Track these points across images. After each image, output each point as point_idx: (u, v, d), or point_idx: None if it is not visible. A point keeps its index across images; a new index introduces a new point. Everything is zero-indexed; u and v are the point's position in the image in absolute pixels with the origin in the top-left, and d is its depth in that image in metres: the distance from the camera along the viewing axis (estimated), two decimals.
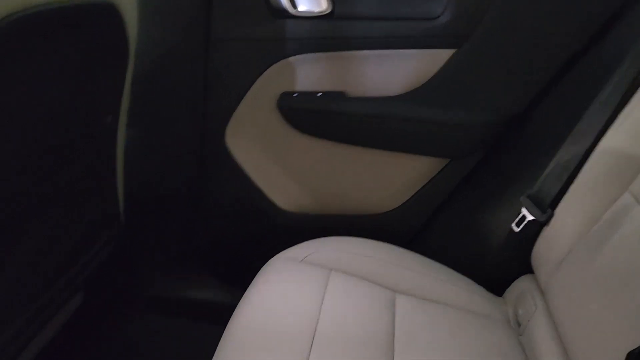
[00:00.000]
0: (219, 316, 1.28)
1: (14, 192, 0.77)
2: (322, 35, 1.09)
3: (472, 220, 1.10)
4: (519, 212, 0.98)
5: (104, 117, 0.97)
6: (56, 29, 0.69)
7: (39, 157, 0.80)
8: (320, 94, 1.12)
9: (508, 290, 1.01)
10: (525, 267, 0.98)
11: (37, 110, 0.76)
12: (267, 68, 1.11)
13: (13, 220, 0.78)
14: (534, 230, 0.94)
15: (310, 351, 0.76)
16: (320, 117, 1.12)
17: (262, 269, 0.98)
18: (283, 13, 1.08)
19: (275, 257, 1.00)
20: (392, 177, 1.16)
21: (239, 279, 1.28)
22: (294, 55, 1.10)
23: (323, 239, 1.05)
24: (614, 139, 0.83)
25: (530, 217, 0.95)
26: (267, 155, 1.18)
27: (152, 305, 1.27)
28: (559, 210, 0.90)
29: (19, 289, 0.83)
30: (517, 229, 0.97)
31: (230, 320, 0.85)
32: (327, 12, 1.07)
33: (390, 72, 1.10)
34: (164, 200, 1.21)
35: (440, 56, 1.06)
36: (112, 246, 1.06)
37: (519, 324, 0.93)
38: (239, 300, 1.26)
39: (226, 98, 1.14)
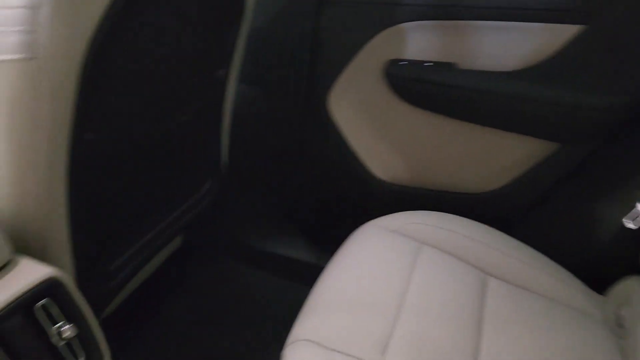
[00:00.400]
0: (303, 275, 1.32)
1: (135, 132, 0.82)
2: (438, 2, 1.05)
3: (579, 211, 1.03)
4: (633, 207, 0.90)
5: (217, 70, 1.00)
6: None
7: (156, 102, 0.85)
8: (430, 63, 1.09)
9: (612, 289, 0.94)
10: (634, 267, 0.91)
11: (158, 58, 0.80)
12: (378, 33, 1.09)
13: (131, 158, 0.84)
14: None
15: (396, 320, 0.76)
16: (428, 88, 1.08)
17: (353, 234, 0.99)
18: None
19: (367, 224, 1.00)
20: (496, 157, 1.11)
21: (327, 241, 1.30)
22: (407, 21, 1.07)
23: (417, 212, 1.04)
24: None
25: None
26: (368, 122, 1.17)
27: (242, 256, 1.33)
28: None
29: (134, 220, 0.89)
30: (631, 225, 0.90)
31: (318, 281, 0.86)
32: None
33: (508, 45, 1.04)
34: (264, 156, 1.24)
35: (566, 32, 0.98)
36: (213, 195, 1.11)
37: (621, 326, 0.87)
38: (323, 262, 1.28)
39: (333, 61, 1.14)
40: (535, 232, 1.09)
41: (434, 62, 1.09)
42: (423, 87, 1.08)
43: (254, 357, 1.08)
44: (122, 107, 0.77)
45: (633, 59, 0.95)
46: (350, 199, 1.22)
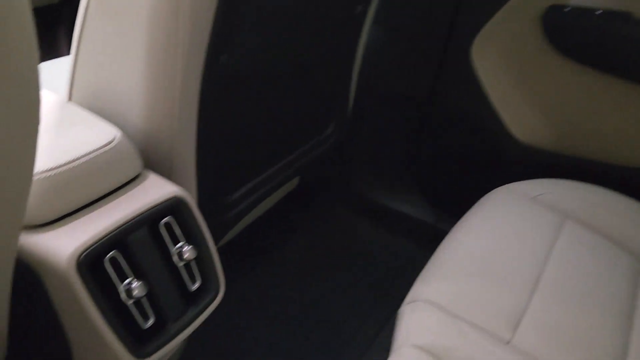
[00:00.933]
0: (418, 235, 1.24)
1: (267, 61, 0.79)
2: None
3: None
4: None
5: (356, 6, 0.93)
6: None
7: (291, 32, 0.80)
8: (600, 11, 0.93)
9: None
10: None
11: (297, 6, 0.74)
12: None
13: (260, 88, 0.81)
14: None
15: (531, 296, 0.67)
16: (595, 40, 0.93)
17: (485, 196, 0.89)
18: None
19: (501, 187, 0.90)
20: None
21: (448, 202, 1.21)
22: None
23: (561, 180, 0.91)
24: None
25: None
26: (514, 76, 1.04)
27: (357, 207, 1.28)
28: None
29: (255, 153, 0.87)
30: None
31: (443, 242, 0.79)
32: None
33: None
34: (391, 104, 1.17)
35: None
36: (335, 139, 1.06)
37: None
38: (443, 224, 1.20)
39: (482, 4, 1.01)
40: None
41: (605, 10, 0.93)
42: (589, 39, 0.93)
43: (362, 310, 1.04)
44: (257, 33, 0.73)
45: None
46: (482, 160, 1.11)
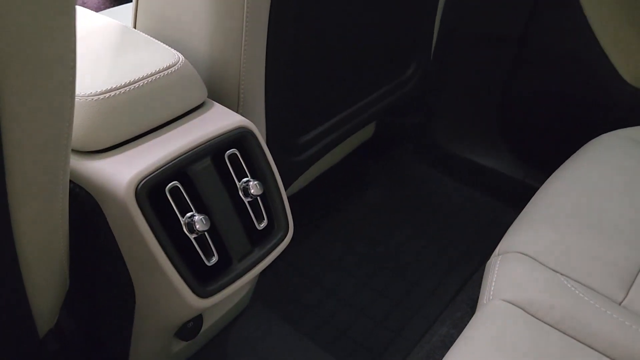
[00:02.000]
0: (504, 191, 1.14)
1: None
2: None
3: None
4: None
5: None
6: None
7: None
8: None
9: None
10: None
11: None
12: None
13: (335, 20, 0.74)
14: None
15: None
16: None
17: (587, 144, 0.78)
18: None
19: (607, 134, 0.79)
20: None
21: (539, 155, 1.09)
22: None
23: None
24: None
25: None
26: (626, 13, 0.90)
27: (436, 160, 1.19)
28: None
29: (329, 94, 0.80)
30: None
31: (539, 191, 0.69)
32: None
33: None
34: (481, 45, 1.05)
35: None
36: (416, 81, 0.97)
37: None
38: (532, 180, 1.09)
39: None
40: None
41: None
42: None
43: (443, 265, 0.97)
44: None
45: None
46: (584, 107, 0.98)
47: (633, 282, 0.54)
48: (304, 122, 0.79)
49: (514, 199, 0.94)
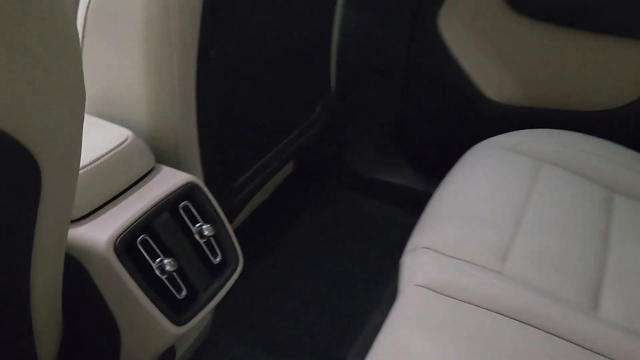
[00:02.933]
0: (412, 202, 1.32)
1: (252, 52, 0.85)
2: None
3: None
4: None
5: (329, 7, 1.00)
6: None
7: (271, 22, 0.87)
8: None
9: None
10: None
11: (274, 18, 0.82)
12: None
13: (249, 78, 0.88)
14: None
15: (515, 232, 0.75)
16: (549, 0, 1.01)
17: (465, 154, 0.97)
18: None
19: (480, 143, 0.98)
20: (625, 69, 1.02)
21: (435, 167, 1.29)
22: None
23: (534, 130, 0.99)
24: None
25: None
26: (480, 40, 1.12)
27: (350, 182, 1.36)
28: None
29: (252, 140, 0.94)
30: None
31: (434, 195, 0.87)
32: None
33: None
34: (371, 81, 1.24)
35: None
36: (323, 120, 1.13)
37: None
38: (433, 189, 1.28)
39: None
40: None
41: None
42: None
43: (370, 269, 1.12)
44: (241, 26, 0.80)
45: None
46: (461, 122, 1.19)
47: (507, 255, 0.72)
48: (235, 168, 0.92)
49: (420, 207, 1.11)
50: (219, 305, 0.73)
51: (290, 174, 1.30)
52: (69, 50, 0.35)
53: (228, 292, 0.69)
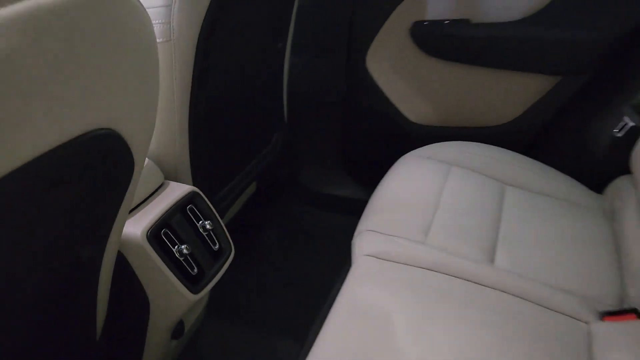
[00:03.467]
0: (353, 210, 1.58)
1: (227, 93, 1.09)
2: None
3: (580, 129, 1.26)
4: (620, 120, 1.12)
5: (277, 45, 1.26)
6: None
7: (241, 68, 1.12)
8: (447, 21, 1.32)
9: (608, 187, 1.17)
10: (624, 169, 1.13)
11: (243, 38, 1.06)
12: (403, 0, 1.32)
13: (224, 115, 1.11)
14: (634, 134, 1.09)
15: (434, 214, 1.02)
16: (448, 42, 1.32)
17: (395, 163, 1.24)
18: None
19: (405, 155, 1.26)
20: (509, 93, 1.34)
21: (370, 178, 1.56)
22: None
23: (445, 142, 1.28)
24: None
25: (631, 124, 1.10)
26: (399, 75, 1.41)
27: (303, 196, 1.60)
28: None
29: (226, 164, 1.17)
30: (619, 134, 1.13)
31: (372, 195, 1.13)
32: None
33: (510, 0, 1.26)
34: (316, 112, 1.50)
35: None
36: (279, 146, 1.38)
37: (613, 215, 1.10)
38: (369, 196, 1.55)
39: (368, 26, 1.38)
40: (545, 151, 1.32)
41: (451, 20, 1.32)
42: (444, 41, 1.32)
43: (330, 264, 1.36)
44: (220, 71, 1.04)
45: (612, 1, 1.16)
46: (389, 140, 1.47)
47: (428, 230, 0.98)
48: (215, 184, 1.14)
49: (361, 212, 1.37)
50: (210, 295, 0.94)
51: (254, 192, 1.53)
52: (153, 66, 0.56)
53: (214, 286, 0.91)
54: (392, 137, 1.46)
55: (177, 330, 0.92)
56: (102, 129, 0.48)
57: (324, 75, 1.46)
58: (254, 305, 1.23)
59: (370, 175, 1.55)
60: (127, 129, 0.52)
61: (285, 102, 1.40)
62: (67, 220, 0.54)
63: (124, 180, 0.58)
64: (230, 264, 0.94)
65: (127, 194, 0.61)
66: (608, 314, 0.85)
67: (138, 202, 0.84)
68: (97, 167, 0.51)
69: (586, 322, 0.84)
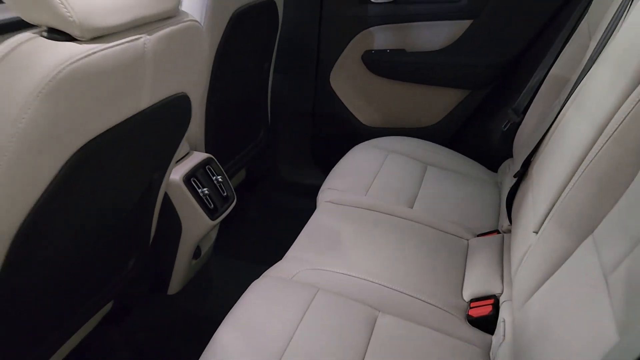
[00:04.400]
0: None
1: (233, 95, 1.55)
2: (390, 14, 1.77)
3: (481, 126, 1.75)
4: (506, 119, 1.62)
5: (264, 65, 1.73)
6: (254, 15, 1.45)
7: (243, 77, 1.58)
8: (389, 50, 1.80)
9: (499, 168, 1.65)
10: (510, 154, 1.62)
11: (245, 59, 1.52)
12: (356, 34, 1.81)
13: (231, 106, 1.56)
14: (513, 129, 1.58)
15: (374, 179, 1.47)
16: (389, 65, 1.81)
17: (350, 150, 1.70)
18: (367, 1, 1.77)
19: (357, 145, 1.72)
20: (433, 102, 1.83)
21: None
22: (373, 26, 1.79)
23: (387, 137, 1.75)
24: (559, 65, 1.44)
25: (512, 121, 1.59)
26: (354, 90, 1.89)
27: (281, 184, 2.04)
28: (527, 114, 1.53)
29: (222, 151, 1.61)
30: (504, 129, 1.62)
31: (332, 169, 1.58)
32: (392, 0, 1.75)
33: (433, 35, 1.76)
34: (291, 116, 1.96)
35: (463, 24, 1.71)
36: (263, 141, 1.83)
37: (501, 185, 1.58)
38: None
39: (332, 52, 1.86)
40: (458, 142, 1.80)
41: (391, 49, 1.81)
42: (386, 65, 1.81)
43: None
44: (226, 82, 1.49)
45: (501, 37, 1.67)
46: (346, 139, 1.93)
47: (369, 189, 1.43)
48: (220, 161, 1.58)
49: None
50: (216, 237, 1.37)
51: (243, 180, 1.97)
52: (202, 62, 1.00)
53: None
54: (349, 136, 1.92)
55: (196, 252, 1.34)
56: (181, 92, 0.92)
57: (298, 89, 1.93)
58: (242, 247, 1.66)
59: (334, 166, 2.01)
60: (191, 94, 0.97)
61: (268, 108, 1.86)
62: (156, 151, 0.98)
63: (184, 128, 1.02)
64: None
65: (182, 140, 1.06)
66: (481, 235, 1.31)
67: (177, 160, 1.27)
68: (175, 116, 0.96)
69: (467, 240, 1.30)
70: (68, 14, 0.63)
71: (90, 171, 0.75)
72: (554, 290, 0.83)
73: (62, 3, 0.62)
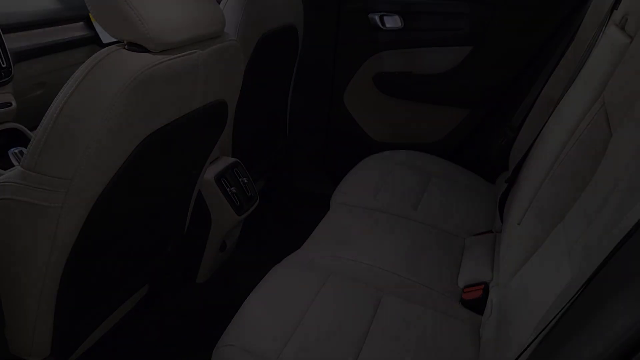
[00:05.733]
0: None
1: (261, 103, 1.73)
2: (399, 39, 1.97)
3: (481, 142, 1.92)
4: (503, 135, 1.79)
5: (285, 84, 1.92)
6: (277, 40, 1.65)
7: (267, 101, 1.77)
8: (398, 72, 1.99)
9: (497, 179, 1.82)
10: (505, 168, 1.78)
11: (274, 75, 1.72)
12: (368, 58, 2.00)
13: (259, 114, 1.75)
14: (509, 144, 1.75)
15: (382, 186, 1.64)
16: (398, 86, 1.99)
17: (360, 162, 1.87)
18: (378, 28, 1.97)
19: (366, 158, 1.89)
20: (439, 120, 2.01)
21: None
22: (384, 50, 1.99)
23: (394, 150, 1.92)
24: (550, 86, 1.62)
25: (508, 137, 1.76)
26: (365, 108, 2.08)
27: (295, 194, 2.21)
28: (522, 131, 1.70)
29: (251, 151, 1.79)
30: (502, 144, 1.79)
31: (344, 177, 1.75)
32: (401, 27, 1.94)
33: (438, 59, 1.95)
34: (308, 131, 2.15)
35: (465, 50, 1.90)
36: (283, 150, 2.01)
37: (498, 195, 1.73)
38: None
39: (345, 74, 2.05)
40: (460, 156, 1.97)
41: (400, 72, 2.00)
42: (395, 86, 1.99)
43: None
44: (253, 97, 1.67)
45: (499, 62, 1.86)
46: (357, 153, 2.10)
47: (378, 193, 1.60)
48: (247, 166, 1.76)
49: None
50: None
51: (262, 188, 2.14)
52: (240, 62, 1.19)
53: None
54: (360, 151, 2.10)
55: (222, 246, 1.51)
56: (222, 99, 1.11)
57: (314, 107, 2.12)
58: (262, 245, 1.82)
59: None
60: (229, 103, 1.15)
61: (287, 123, 2.04)
62: (197, 149, 1.16)
63: (221, 130, 1.20)
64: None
65: (217, 142, 1.24)
66: (477, 235, 1.47)
67: (210, 162, 1.46)
68: (215, 118, 1.14)
69: (464, 238, 1.46)
70: (147, 32, 0.82)
71: (150, 157, 0.93)
72: (532, 267, 0.99)
73: (142, 24, 0.82)
